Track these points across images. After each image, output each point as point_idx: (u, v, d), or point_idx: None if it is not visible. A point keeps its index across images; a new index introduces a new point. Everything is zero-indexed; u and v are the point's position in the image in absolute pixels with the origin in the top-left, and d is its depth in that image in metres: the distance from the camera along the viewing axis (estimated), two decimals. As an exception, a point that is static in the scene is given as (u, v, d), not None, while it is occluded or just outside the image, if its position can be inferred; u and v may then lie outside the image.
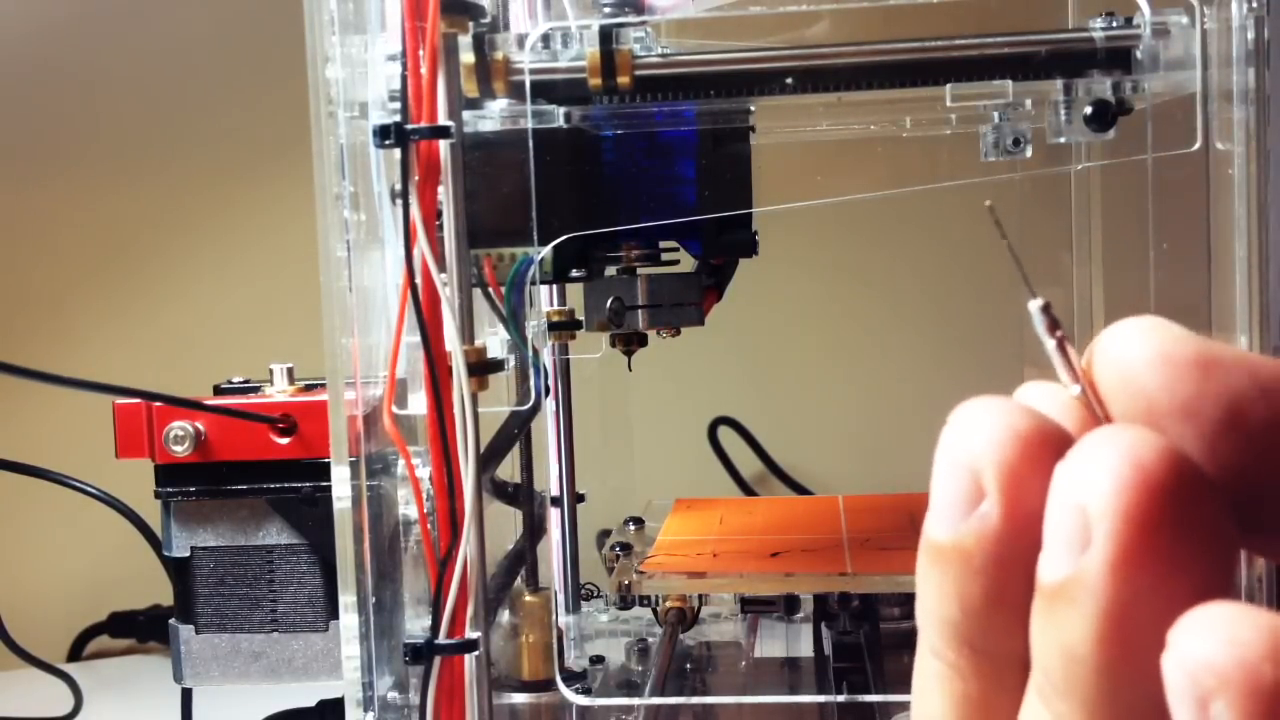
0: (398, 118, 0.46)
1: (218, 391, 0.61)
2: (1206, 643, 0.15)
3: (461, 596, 0.47)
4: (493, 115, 0.53)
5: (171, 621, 0.59)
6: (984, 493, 0.19)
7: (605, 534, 0.74)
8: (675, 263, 0.60)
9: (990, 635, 0.19)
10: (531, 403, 0.56)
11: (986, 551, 0.19)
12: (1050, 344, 0.20)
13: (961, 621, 0.19)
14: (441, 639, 0.47)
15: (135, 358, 0.99)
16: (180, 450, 0.57)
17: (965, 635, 0.19)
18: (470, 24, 0.49)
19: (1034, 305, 0.20)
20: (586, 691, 0.62)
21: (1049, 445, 0.18)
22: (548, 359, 0.65)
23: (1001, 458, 0.19)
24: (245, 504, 0.58)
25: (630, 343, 0.60)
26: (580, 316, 0.62)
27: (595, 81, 0.51)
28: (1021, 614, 0.18)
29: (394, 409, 0.48)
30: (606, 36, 0.51)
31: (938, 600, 0.19)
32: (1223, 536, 0.17)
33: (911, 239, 0.97)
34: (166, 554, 0.59)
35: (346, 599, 0.50)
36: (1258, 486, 0.18)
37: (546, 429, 0.70)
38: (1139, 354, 0.19)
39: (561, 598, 0.71)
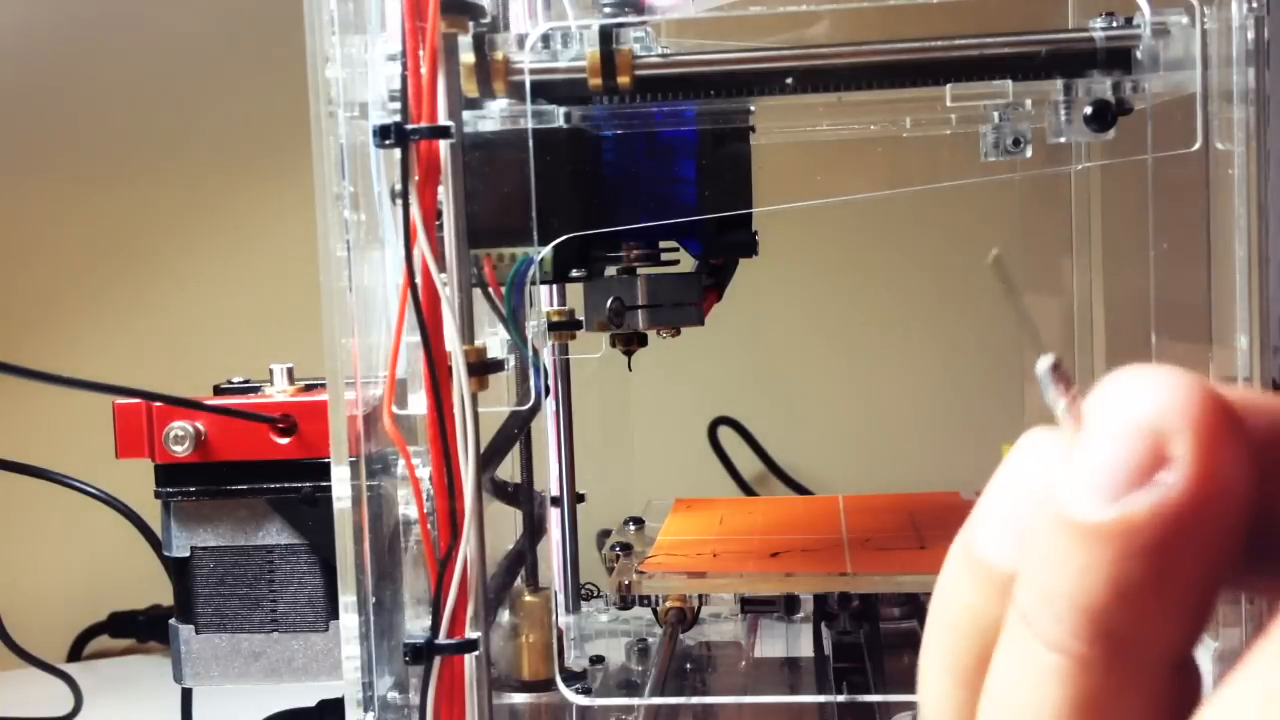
0: (398, 118, 0.46)
1: (218, 391, 0.61)
2: None
3: (461, 596, 0.47)
4: (493, 115, 0.53)
5: (171, 621, 0.59)
6: (1165, 459, 0.16)
7: (605, 534, 0.74)
8: (675, 263, 0.60)
9: (1141, 626, 0.17)
10: (531, 403, 0.56)
11: (1159, 528, 0.16)
12: (1062, 405, 0.18)
13: (1107, 609, 0.17)
14: (441, 639, 0.47)
15: (135, 358, 0.99)
16: (180, 450, 0.57)
17: (1107, 624, 0.17)
18: (470, 24, 0.49)
19: (1043, 364, 0.18)
20: (586, 691, 0.62)
21: (1238, 419, 0.17)
22: (548, 359, 0.65)
23: (1198, 422, 0.16)
24: (245, 504, 0.58)
25: (630, 343, 0.60)
26: (580, 316, 0.62)
27: (595, 81, 0.51)
28: (1183, 603, 0.17)
29: (394, 409, 0.48)
30: (606, 36, 0.51)
31: (1077, 584, 0.17)
32: None
33: (912, 239, 0.97)
34: (166, 554, 0.59)
35: (346, 599, 0.50)
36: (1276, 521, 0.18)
37: (546, 429, 0.70)
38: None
39: (561, 598, 0.71)
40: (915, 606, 0.67)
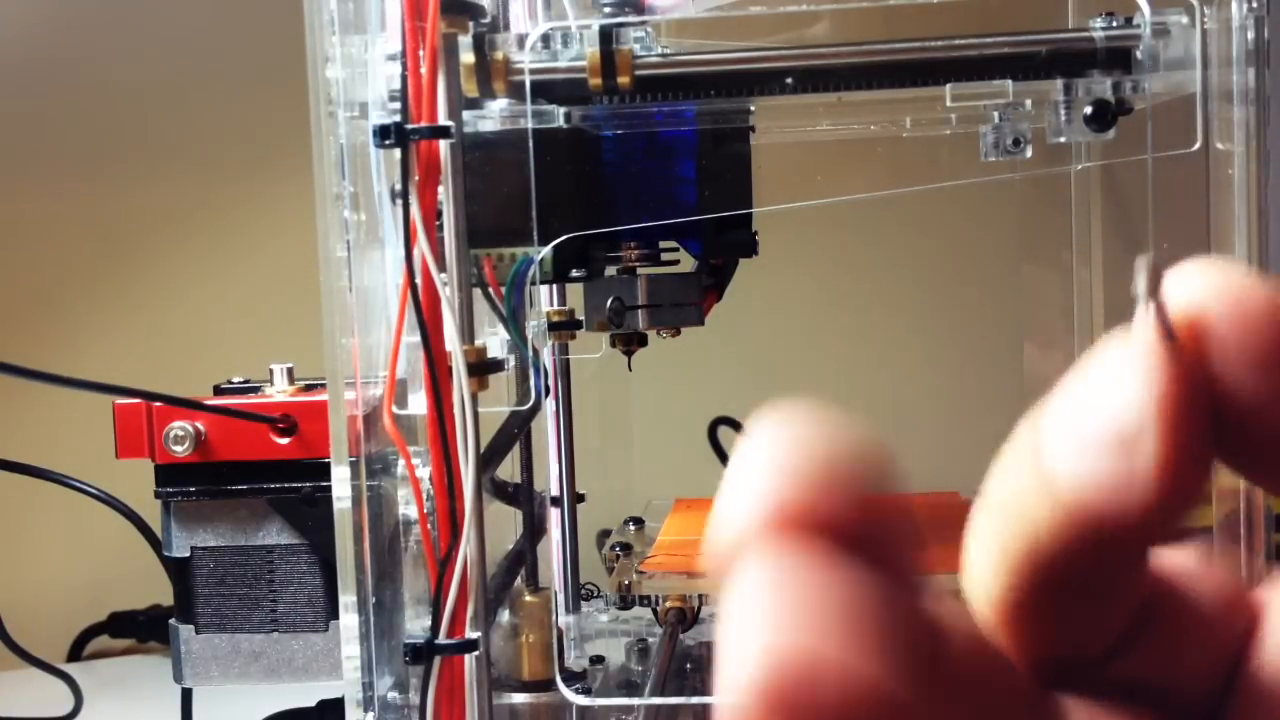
0: (398, 118, 0.46)
1: (218, 391, 0.61)
2: None
3: (461, 596, 0.47)
4: (493, 115, 0.53)
5: (171, 621, 0.59)
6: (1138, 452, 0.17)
7: (605, 534, 0.74)
8: (675, 263, 0.60)
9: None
10: (531, 403, 0.56)
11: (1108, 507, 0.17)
12: (1142, 305, 0.18)
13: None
14: (441, 639, 0.47)
15: (135, 358, 0.99)
16: (180, 450, 0.57)
17: None
18: (470, 24, 0.49)
19: (1142, 260, 0.18)
20: (586, 691, 0.62)
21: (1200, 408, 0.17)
22: (548, 359, 0.65)
23: (1166, 428, 0.17)
24: (245, 504, 0.58)
25: (630, 343, 0.60)
26: (580, 316, 0.62)
27: (595, 81, 0.51)
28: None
29: (394, 409, 0.48)
30: (606, 36, 0.51)
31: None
32: None
33: (911, 239, 0.97)
34: (166, 554, 0.59)
35: (346, 599, 0.50)
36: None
37: (546, 429, 0.70)
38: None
39: (561, 598, 0.71)
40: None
